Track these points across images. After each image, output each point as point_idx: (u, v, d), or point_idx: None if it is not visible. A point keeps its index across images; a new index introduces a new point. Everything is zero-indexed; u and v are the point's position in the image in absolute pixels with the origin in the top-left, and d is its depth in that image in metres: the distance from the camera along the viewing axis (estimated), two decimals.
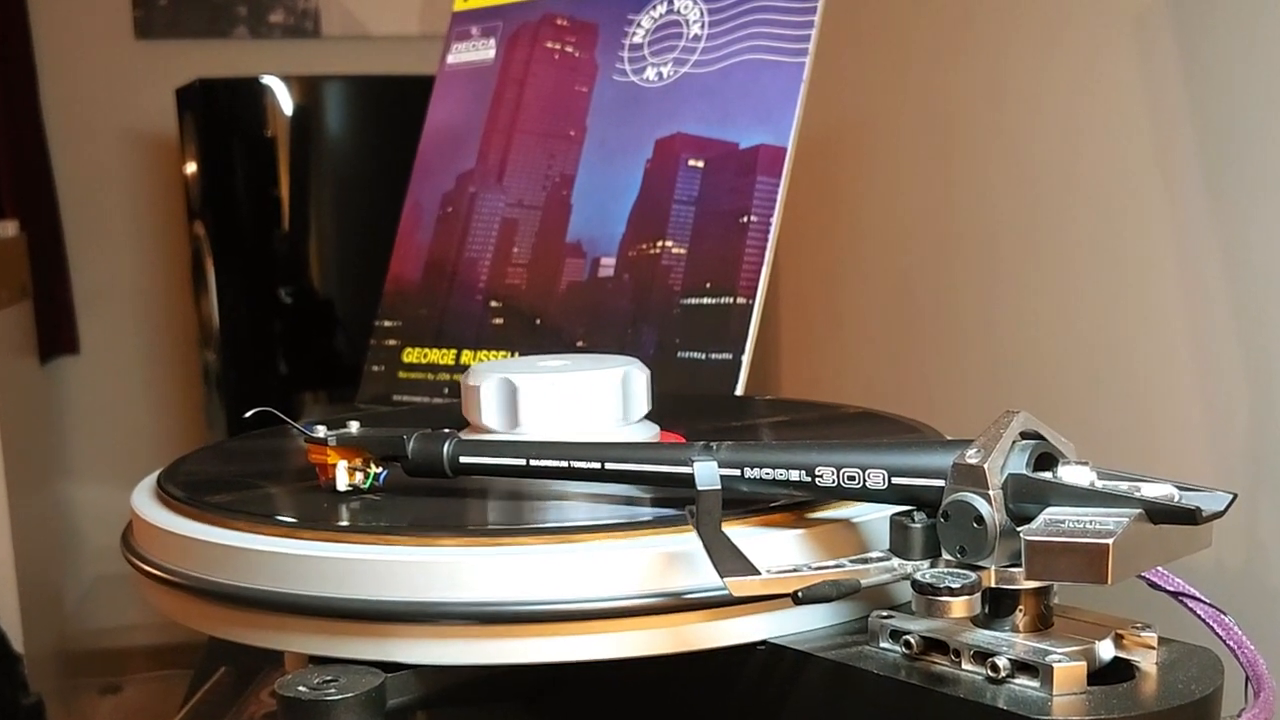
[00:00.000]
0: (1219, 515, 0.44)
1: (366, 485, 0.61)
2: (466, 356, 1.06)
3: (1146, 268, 1.07)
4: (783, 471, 0.52)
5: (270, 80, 1.76)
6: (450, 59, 1.18)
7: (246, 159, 1.79)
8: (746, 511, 0.53)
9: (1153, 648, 0.47)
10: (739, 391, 0.91)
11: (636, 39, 1.06)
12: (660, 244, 0.98)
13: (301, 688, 0.48)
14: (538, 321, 1.04)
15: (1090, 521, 0.44)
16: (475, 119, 1.13)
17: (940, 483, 0.47)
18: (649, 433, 0.67)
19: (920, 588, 0.45)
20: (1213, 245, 1.00)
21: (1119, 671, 0.46)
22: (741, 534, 0.50)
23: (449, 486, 0.61)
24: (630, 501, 0.58)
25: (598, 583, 0.50)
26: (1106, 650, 0.47)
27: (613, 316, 0.99)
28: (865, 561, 0.48)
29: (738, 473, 0.53)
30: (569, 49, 1.10)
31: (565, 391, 0.64)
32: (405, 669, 0.51)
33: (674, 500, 0.56)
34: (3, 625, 1.59)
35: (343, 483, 0.61)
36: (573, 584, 0.50)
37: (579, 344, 1.00)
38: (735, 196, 0.95)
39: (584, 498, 0.59)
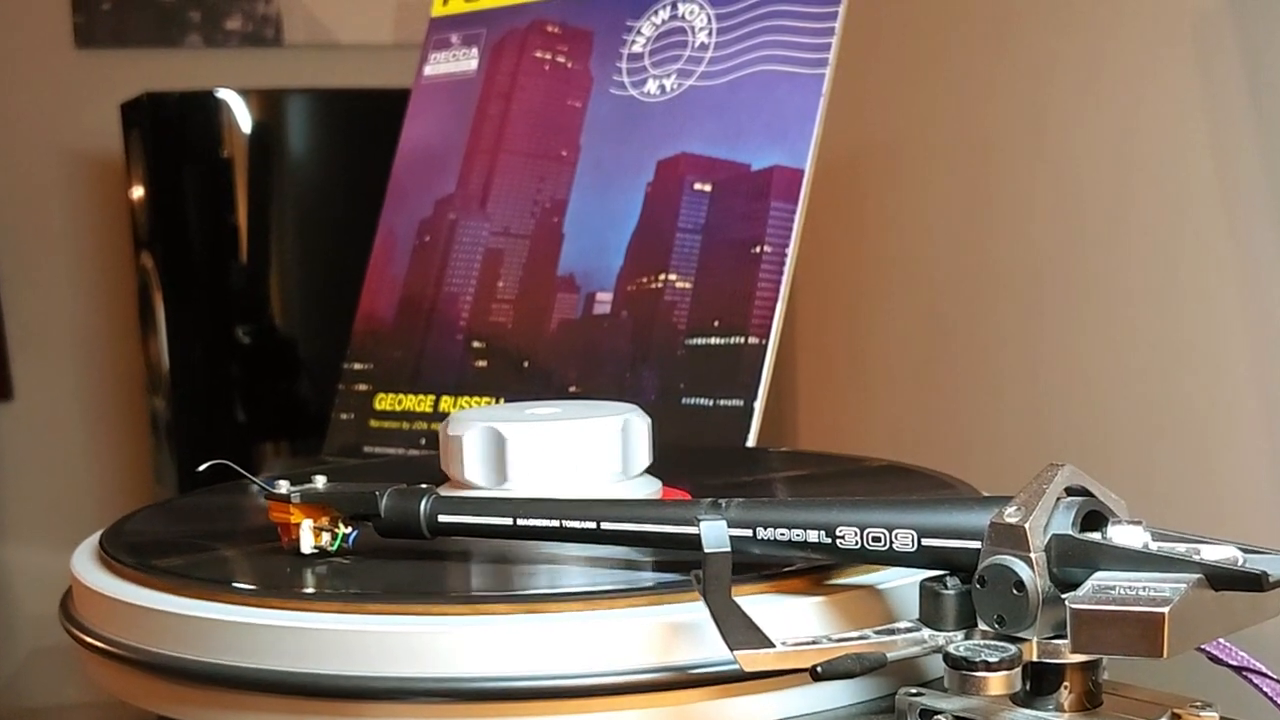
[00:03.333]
0: None
1: (334, 547, 0.61)
2: (446, 403, 1.06)
3: (1208, 306, 1.07)
4: (800, 532, 0.52)
5: (226, 94, 1.77)
6: (428, 70, 1.19)
7: (200, 182, 1.80)
8: (759, 577, 0.54)
9: None
10: (751, 442, 0.91)
11: (636, 48, 1.06)
12: (663, 277, 0.99)
13: None
14: (526, 364, 1.04)
15: (1144, 588, 0.44)
16: (456, 137, 1.14)
17: (976, 544, 0.48)
18: (650, 488, 0.68)
19: (954, 662, 0.45)
20: None
21: None
22: (753, 602, 0.50)
23: (426, 549, 0.61)
24: (629, 565, 0.58)
25: (593, 656, 0.50)
26: None
27: (610, 358, 1.00)
28: (892, 632, 0.48)
29: (749, 533, 0.53)
30: (561, 59, 1.11)
31: (556, 442, 0.65)
32: None
33: (678, 564, 0.56)
34: None
35: (307, 544, 0.61)
36: (565, 657, 0.50)
37: (572, 389, 1.01)
38: (747, 224, 0.96)
39: (577, 561, 0.59)
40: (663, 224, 1.00)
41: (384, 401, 1.10)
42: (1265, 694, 0.50)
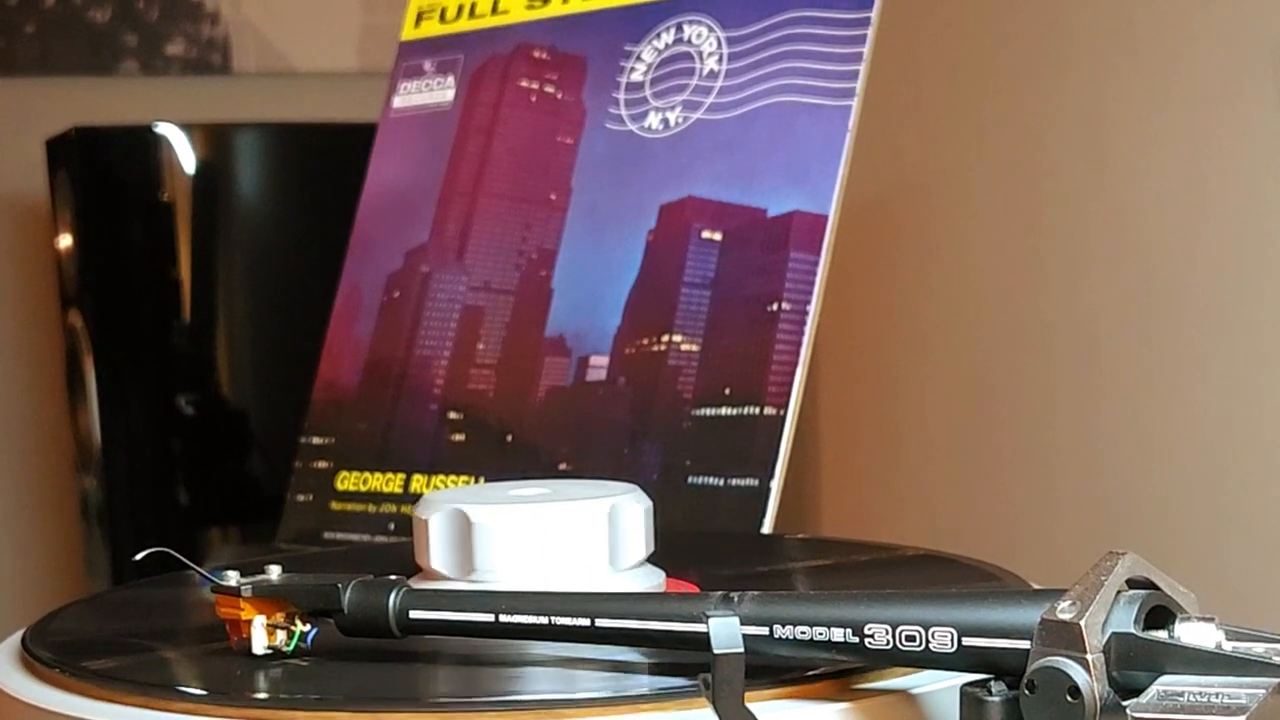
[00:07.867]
0: None
1: (291, 647, 0.61)
2: (418, 483, 1.07)
3: None
4: (823, 630, 0.52)
5: (167, 128, 1.78)
6: (397, 101, 1.20)
7: (136, 229, 1.81)
8: (776, 681, 0.54)
9: None
10: (767, 528, 0.91)
11: (636, 76, 1.07)
12: (666, 339, 0.99)
13: None
14: (509, 438, 1.04)
15: (1216, 694, 0.44)
16: (429, 179, 1.15)
17: (1024, 644, 0.48)
18: (651, 580, 0.68)
19: None
20: None
21: None
22: (770, 709, 0.50)
23: (396, 649, 0.61)
24: (628, 669, 0.58)
25: None
26: None
27: (606, 431, 1.00)
28: None
29: (766, 631, 0.53)
30: (549, 89, 1.11)
31: (544, 527, 0.65)
32: None
33: (683, 667, 0.56)
34: None
35: (260, 644, 0.61)
36: None
37: (562, 466, 1.01)
38: (762, 278, 0.96)
39: (568, 664, 0.59)
40: (666, 278, 1.01)
41: (347, 481, 1.10)
42: None
